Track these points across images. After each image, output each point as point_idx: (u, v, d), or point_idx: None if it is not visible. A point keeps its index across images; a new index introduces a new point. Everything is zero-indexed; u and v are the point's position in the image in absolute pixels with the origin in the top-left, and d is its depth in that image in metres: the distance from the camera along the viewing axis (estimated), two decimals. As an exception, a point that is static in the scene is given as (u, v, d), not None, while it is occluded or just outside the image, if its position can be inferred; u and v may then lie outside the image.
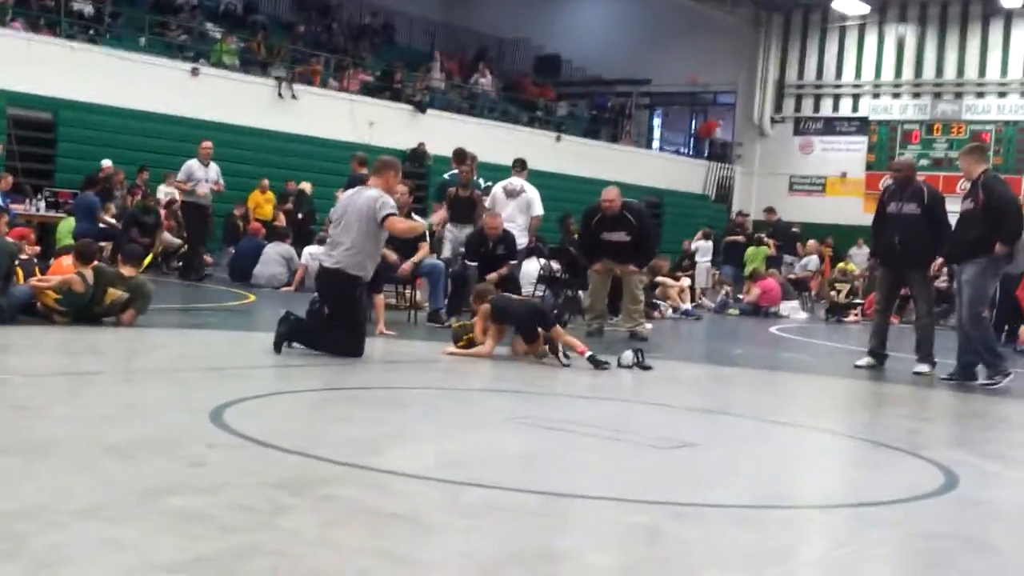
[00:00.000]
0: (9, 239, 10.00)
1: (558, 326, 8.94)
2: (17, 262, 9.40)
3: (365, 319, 8.93)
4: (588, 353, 8.53)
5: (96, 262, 9.26)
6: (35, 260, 10.32)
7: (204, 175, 15.85)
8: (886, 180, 10.59)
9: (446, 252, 13.01)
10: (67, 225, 15.97)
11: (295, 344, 8.19)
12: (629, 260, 11.80)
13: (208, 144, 16.14)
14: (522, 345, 9.00)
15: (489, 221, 11.86)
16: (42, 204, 17.85)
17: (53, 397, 5.80)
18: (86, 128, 19.85)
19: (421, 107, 25.71)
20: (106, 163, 18.46)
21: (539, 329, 8.84)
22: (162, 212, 17.63)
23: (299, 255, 15.70)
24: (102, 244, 15.47)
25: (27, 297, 8.91)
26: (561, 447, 5.46)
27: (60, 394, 5.92)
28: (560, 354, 8.69)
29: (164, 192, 19.29)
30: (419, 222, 10.15)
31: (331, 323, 8.44)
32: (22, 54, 19.14)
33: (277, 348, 8.00)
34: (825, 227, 28.59)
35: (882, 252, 10.36)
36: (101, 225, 16.23)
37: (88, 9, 21.83)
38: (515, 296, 9.93)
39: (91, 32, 21.51)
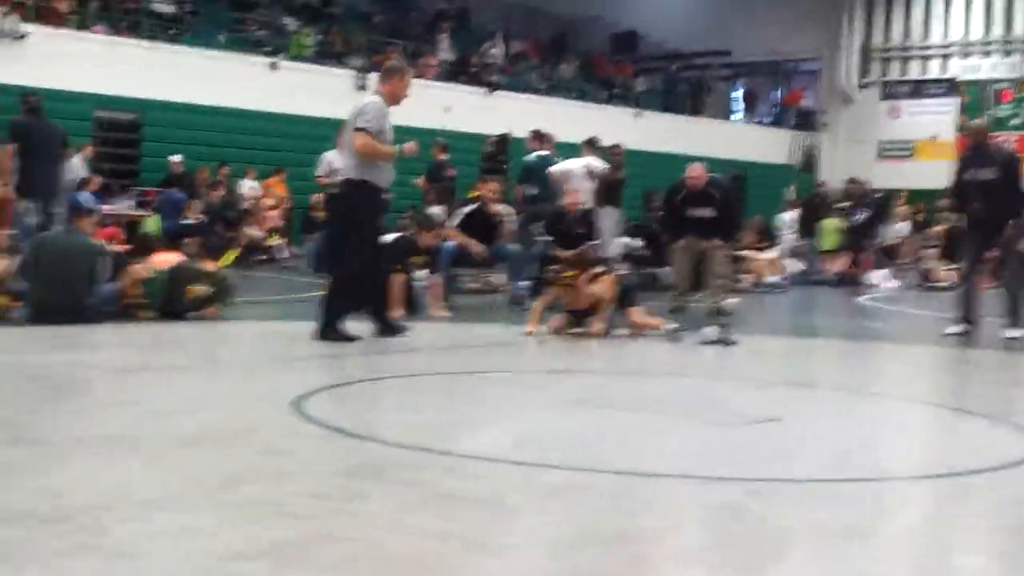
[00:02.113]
0: (95, 239, 10.21)
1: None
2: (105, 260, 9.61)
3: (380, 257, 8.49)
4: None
5: (176, 254, 9.44)
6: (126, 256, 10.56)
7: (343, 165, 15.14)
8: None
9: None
10: (154, 222, 16.27)
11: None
12: (713, 236, 11.65)
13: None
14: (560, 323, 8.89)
15: (571, 198, 11.82)
16: (131, 203, 18.21)
17: (134, 391, 5.90)
18: (170, 127, 20.18)
19: (491, 87, 25.66)
20: (175, 158, 18.79)
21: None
22: (246, 207, 17.88)
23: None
24: (188, 239, 15.76)
25: (113, 295, 9.09)
26: (639, 426, 5.40)
27: (140, 388, 6.01)
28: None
29: (247, 187, 19.57)
30: (389, 149, 8.18)
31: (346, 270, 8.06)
32: (105, 57, 19.51)
33: (332, 339, 7.89)
34: (916, 192, 27.97)
35: (965, 219, 10.14)
36: (187, 221, 16.50)
37: (168, 9, 22.18)
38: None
39: (171, 32, 21.83)
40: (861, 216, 16.45)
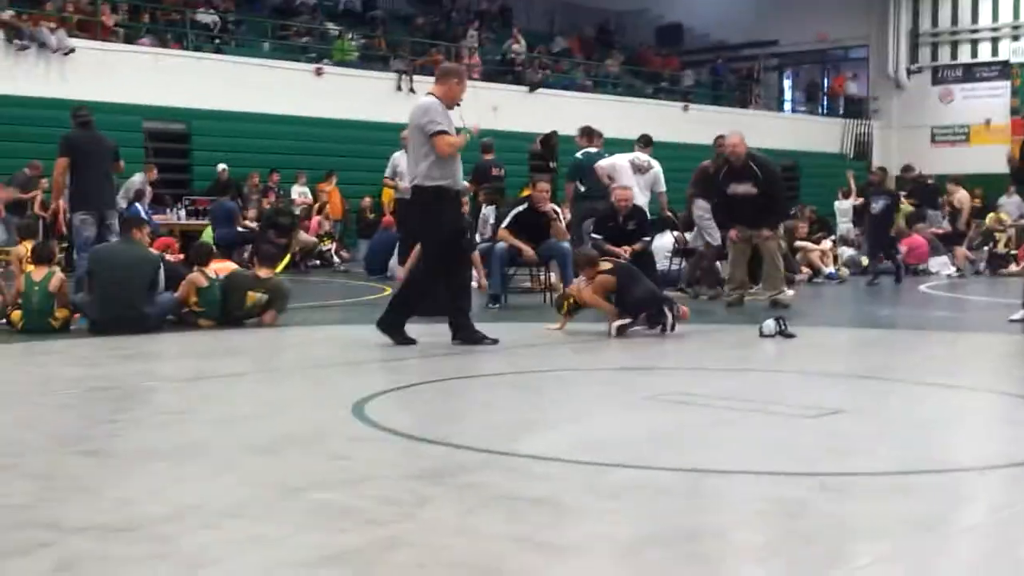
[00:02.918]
0: (153, 250, 10.31)
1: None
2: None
3: (462, 265, 8.43)
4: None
5: (231, 262, 9.51)
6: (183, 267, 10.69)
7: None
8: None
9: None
10: (208, 232, 16.42)
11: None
12: (761, 221, 11.25)
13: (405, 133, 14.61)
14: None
15: (620, 193, 11.69)
16: (182, 213, 18.40)
17: (198, 400, 5.95)
18: (218, 136, 20.40)
19: (534, 86, 25.64)
20: (221, 167, 18.98)
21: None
22: (298, 212, 17.99)
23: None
24: (242, 247, 15.89)
25: (171, 305, 9.18)
26: (701, 422, 5.36)
27: (204, 397, 6.06)
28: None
29: (297, 192, 19.70)
30: (459, 139, 8.05)
31: (426, 275, 8.03)
32: (152, 69, 19.75)
33: (391, 335, 7.98)
34: (972, 177, 27.58)
35: None
36: (240, 229, 16.64)
37: (212, 19, 22.38)
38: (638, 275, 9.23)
39: (216, 42, 22.05)
40: (879, 205, 16.12)
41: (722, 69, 33.59)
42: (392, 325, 8.01)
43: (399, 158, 13.80)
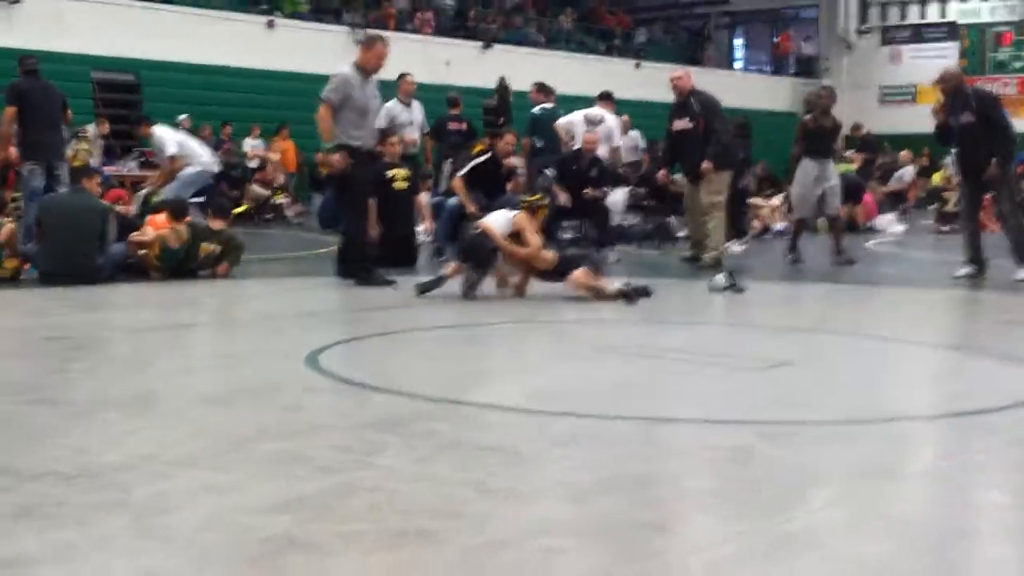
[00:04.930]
0: (103, 200, 10.20)
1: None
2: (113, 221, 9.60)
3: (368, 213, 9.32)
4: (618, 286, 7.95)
5: (189, 218, 9.42)
6: (134, 217, 10.55)
7: (409, 117, 12.94)
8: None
9: None
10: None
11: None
12: (699, 157, 10.89)
13: (411, 79, 13.17)
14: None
15: (588, 136, 11.81)
16: (133, 164, 18.17)
17: (152, 351, 5.93)
18: (169, 87, 20.12)
19: (489, 42, 25.51)
20: (182, 117, 18.70)
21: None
22: (252, 165, 17.82)
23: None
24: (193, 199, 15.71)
25: (123, 256, 9.10)
26: (652, 373, 5.44)
27: (158, 348, 6.04)
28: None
29: (250, 145, 19.50)
30: (326, 132, 8.76)
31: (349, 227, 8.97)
32: (102, 19, 19.44)
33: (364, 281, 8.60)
34: (919, 137, 27.80)
35: (957, 163, 10.26)
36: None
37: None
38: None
39: (168, -8, 21.70)
40: None
41: (676, 27, 33.50)
42: (356, 273, 8.66)
43: (395, 109, 12.85)
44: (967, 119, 9.76)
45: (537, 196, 8.74)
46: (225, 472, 3.47)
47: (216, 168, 12.18)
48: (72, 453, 3.66)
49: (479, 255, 8.04)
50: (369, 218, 9.57)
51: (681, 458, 3.83)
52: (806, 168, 11.73)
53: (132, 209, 11.24)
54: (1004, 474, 3.74)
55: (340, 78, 8.80)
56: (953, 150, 10.63)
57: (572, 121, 12.76)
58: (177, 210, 9.39)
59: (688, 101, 11.26)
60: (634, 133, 18.53)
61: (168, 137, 11.50)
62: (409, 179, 11.00)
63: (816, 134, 11.73)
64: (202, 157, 11.56)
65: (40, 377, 5.13)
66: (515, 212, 8.27)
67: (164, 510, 3.09)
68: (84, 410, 4.39)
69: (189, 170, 11.21)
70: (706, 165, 10.97)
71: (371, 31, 9.68)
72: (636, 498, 3.28)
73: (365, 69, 8.86)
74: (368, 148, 9.01)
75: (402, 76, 13.12)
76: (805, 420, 4.33)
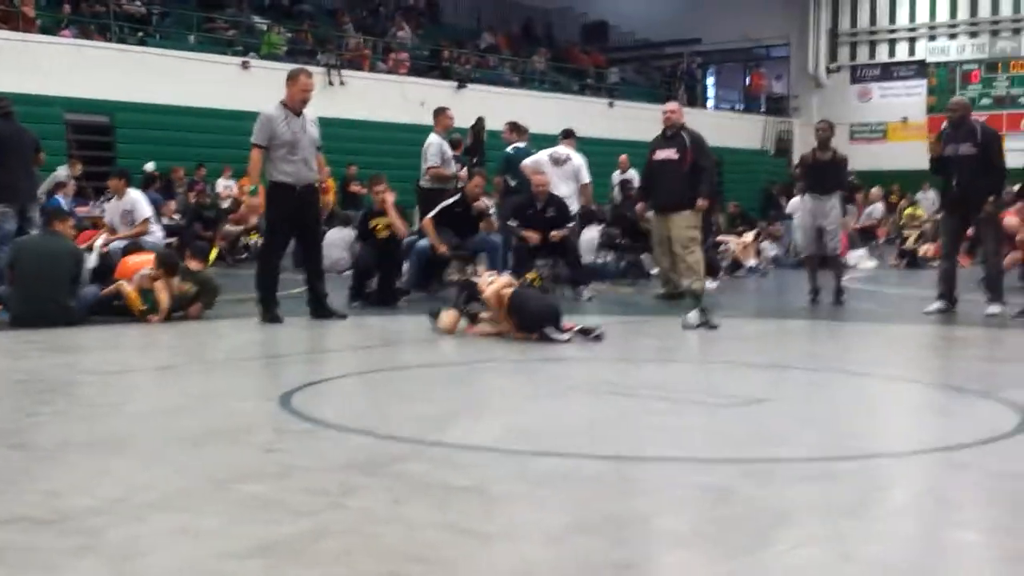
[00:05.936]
0: (76, 243, 10.14)
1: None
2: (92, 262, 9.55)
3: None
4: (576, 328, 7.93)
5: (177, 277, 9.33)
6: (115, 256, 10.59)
7: (451, 151, 13.11)
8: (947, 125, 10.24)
9: None
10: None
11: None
12: (681, 196, 11.03)
13: (451, 113, 13.42)
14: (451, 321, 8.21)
15: (537, 179, 11.79)
16: (106, 206, 18.09)
17: (125, 393, 5.89)
18: (143, 128, 20.12)
19: (463, 82, 25.65)
20: (148, 166, 18.74)
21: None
22: (227, 204, 17.80)
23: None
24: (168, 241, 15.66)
25: (95, 298, 9.05)
26: (627, 411, 5.42)
27: (131, 390, 6.00)
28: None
29: (223, 186, 19.50)
30: (253, 175, 9.37)
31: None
32: (76, 61, 19.44)
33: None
34: (889, 174, 28.13)
35: (943, 195, 10.23)
36: (164, 222, 16.40)
37: (137, 10, 22.05)
38: (533, 294, 8.65)
39: (141, 34, 21.73)
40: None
41: (649, 66, 33.80)
42: (324, 313, 9.05)
43: (443, 144, 13.07)
44: (968, 151, 9.76)
45: (534, 275, 9.29)
46: (198, 515, 3.43)
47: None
48: (42, 497, 3.62)
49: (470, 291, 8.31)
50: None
51: (657, 497, 3.82)
52: (806, 204, 11.72)
53: (91, 260, 11.12)
54: (980, 510, 3.74)
55: (262, 118, 9.00)
56: (933, 191, 10.65)
57: (538, 161, 12.78)
58: (168, 264, 9.27)
59: (679, 134, 11.36)
60: (632, 172, 18.69)
61: (144, 202, 11.96)
62: (389, 227, 10.91)
63: (815, 168, 11.60)
64: (156, 232, 12.06)
65: (11, 421, 5.07)
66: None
67: (136, 554, 3.06)
68: (55, 453, 4.35)
69: (150, 238, 11.56)
70: (701, 202, 11.19)
71: (294, 66, 9.72)
72: (613, 538, 3.27)
73: (291, 104, 8.97)
74: (306, 183, 9.04)
75: (443, 111, 13.43)
76: (781, 458, 4.33)
